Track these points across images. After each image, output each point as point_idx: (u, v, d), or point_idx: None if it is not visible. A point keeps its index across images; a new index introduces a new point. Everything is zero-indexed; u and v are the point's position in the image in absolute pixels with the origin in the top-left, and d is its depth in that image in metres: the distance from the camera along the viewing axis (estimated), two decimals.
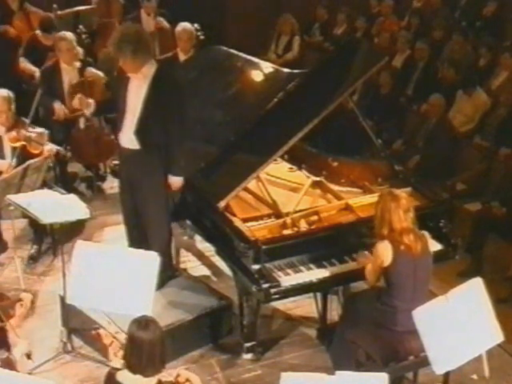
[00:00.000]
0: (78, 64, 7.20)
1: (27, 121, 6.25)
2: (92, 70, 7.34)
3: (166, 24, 9.02)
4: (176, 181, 5.28)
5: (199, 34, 7.48)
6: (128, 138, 5.20)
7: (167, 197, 5.33)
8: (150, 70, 5.07)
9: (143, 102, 5.07)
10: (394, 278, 4.45)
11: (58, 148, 6.27)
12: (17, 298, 4.44)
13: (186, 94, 5.24)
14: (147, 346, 3.50)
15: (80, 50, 7.39)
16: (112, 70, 7.21)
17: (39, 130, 6.24)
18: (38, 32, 8.14)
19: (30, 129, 6.15)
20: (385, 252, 4.42)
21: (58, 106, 7.00)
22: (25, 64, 8.07)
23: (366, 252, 4.83)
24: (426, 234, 4.64)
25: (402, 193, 4.60)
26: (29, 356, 4.13)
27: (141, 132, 5.12)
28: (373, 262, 4.55)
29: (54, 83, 7.03)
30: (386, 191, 4.69)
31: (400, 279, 4.44)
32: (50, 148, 6.10)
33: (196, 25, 7.44)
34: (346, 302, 5.04)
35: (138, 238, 5.41)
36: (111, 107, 5.99)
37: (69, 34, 7.18)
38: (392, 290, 4.48)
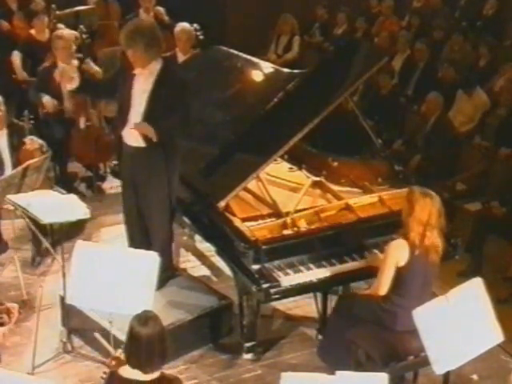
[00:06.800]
0: (75, 62, 7.18)
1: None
2: (91, 64, 7.32)
3: (165, 17, 9.01)
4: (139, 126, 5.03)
5: (199, 34, 7.47)
6: (132, 136, 5.15)
7: (170, 196, 5.30)
8: (156, 66, 5.06)
9: (148, 98, 5.05)
10: (406, 277, 4.42)
11: (41, 143, 6.18)
12: (4, 307, 4.42)
13: (191, 91, 5.22)
14: (145, 342, 3.48)
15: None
16: (111, 70, 7.20)
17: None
18: (32, 31, 8.17)
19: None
20: (400, 251, 4.40)
21: (46, 99, 6.96)
22: (16, 59, 8.06)
23: (376, 252, 4.84)
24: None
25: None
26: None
27: None
28: (385, 263, 4.46)
29: (53, 83, 7.02)
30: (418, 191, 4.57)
31: (412, 278, 4.42)
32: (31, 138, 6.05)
33: (196, 25, 7.44)
34: (341, 302, 4.96)
35: (139, 238, 5.39)
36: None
37: (66, 33, 7.15)
38: (400, 288, 4.45)
